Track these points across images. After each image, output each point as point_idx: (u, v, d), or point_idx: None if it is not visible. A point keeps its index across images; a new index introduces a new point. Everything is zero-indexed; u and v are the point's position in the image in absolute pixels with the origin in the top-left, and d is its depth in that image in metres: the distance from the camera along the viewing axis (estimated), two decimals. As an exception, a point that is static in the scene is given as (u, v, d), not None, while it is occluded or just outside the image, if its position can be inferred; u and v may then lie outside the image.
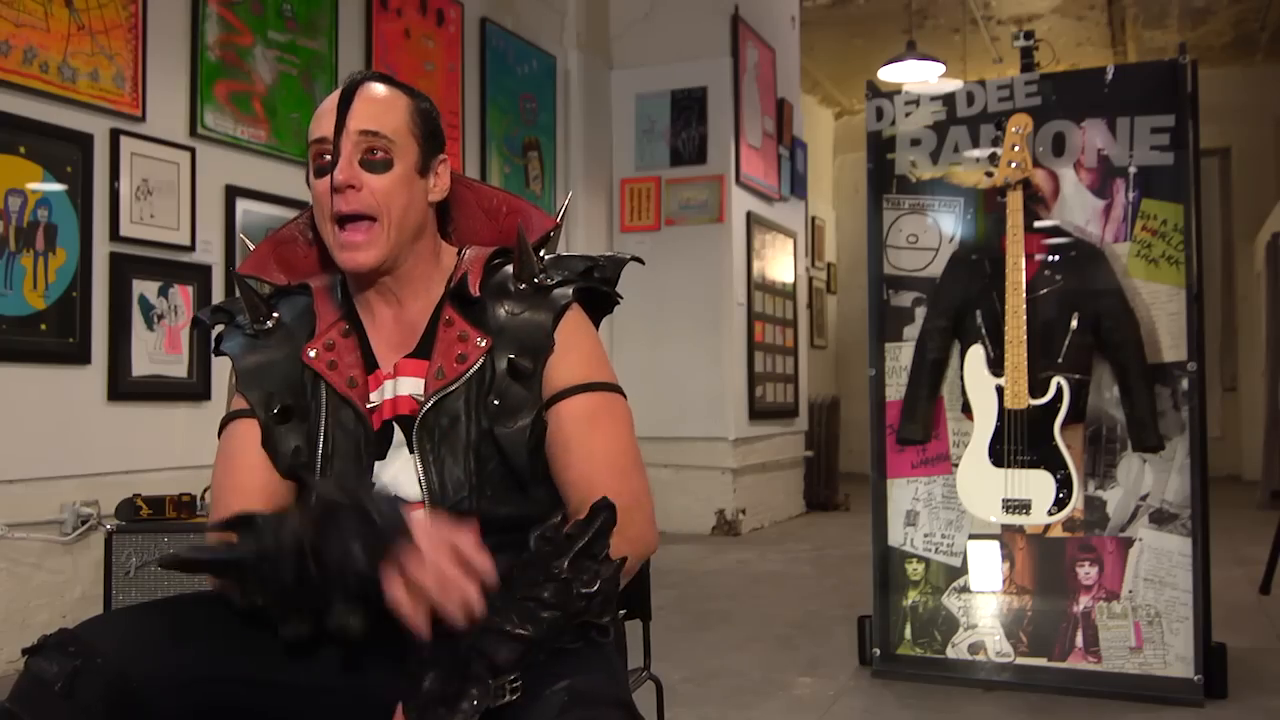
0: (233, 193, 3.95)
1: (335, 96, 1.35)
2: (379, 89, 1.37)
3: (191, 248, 3.79)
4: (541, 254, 1.43)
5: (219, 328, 1.48)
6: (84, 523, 3.38)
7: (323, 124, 1.34)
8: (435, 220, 1.44)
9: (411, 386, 1.36)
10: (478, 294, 1.38)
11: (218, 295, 3.82)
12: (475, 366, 1.34)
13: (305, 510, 1.14)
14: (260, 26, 4.11)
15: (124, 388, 3.54)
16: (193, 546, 1.25)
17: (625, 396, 1.40)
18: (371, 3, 4.68)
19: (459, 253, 1.45)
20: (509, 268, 1.42)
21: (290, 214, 4.11)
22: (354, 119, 1.33)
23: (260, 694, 1.25)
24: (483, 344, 1.36)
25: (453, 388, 1.34)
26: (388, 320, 1.41)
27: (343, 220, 1.34)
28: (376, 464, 1.35)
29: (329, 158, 1.33)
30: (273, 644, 1.28)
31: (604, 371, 1.39)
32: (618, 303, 1.48)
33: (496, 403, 1.33)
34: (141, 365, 3.59)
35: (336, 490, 1.15)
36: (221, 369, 3.71)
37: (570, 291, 1.39)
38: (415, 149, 1.37)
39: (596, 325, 1.46)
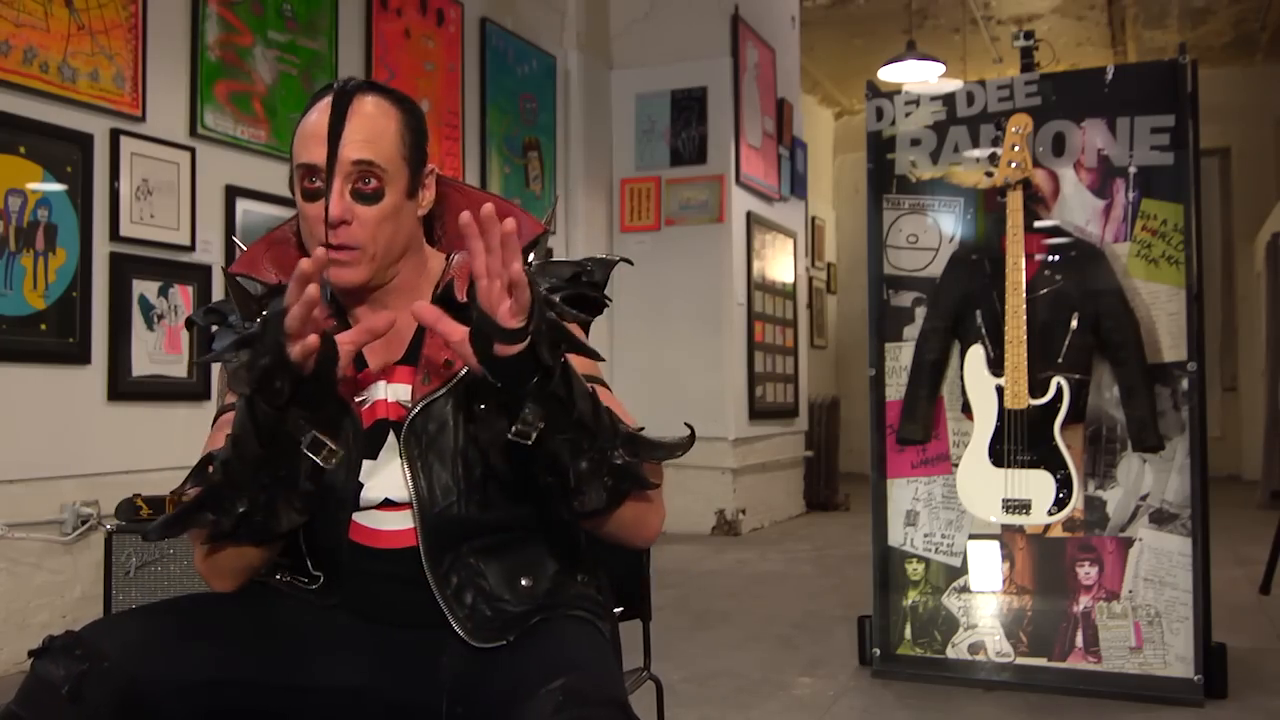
0: (233, 193, 3.96)
1: (323, 114, 1.31)
2: (369, 107, 1.32)
3: (191, 248, 3.79)
4: (530, 259, 1.41)
5: (214, 328, 1.48)
6: (84, 523, 3.38)
7: (312, 149, 1.31)
8: (423, 230, 1.43)
9: (399, 393, 1.36)
10: (464, 300, 1.36)
11: (217, 295, 3.82)
12: (462, 372, 1.33)
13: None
14: (260, 26, 4.11)
15: (124, 388, 3.54)
16: (163, 519, 1.28)
17: (611, 392, 1.40)
18: (371, 3, 4.68)
19: (448, 258, 1.44)
20: None
21: (290, 214, 4.12)
22: (347, 147, 1.30)
23: (267, 696, 1.25)
24: None
25: (439, 393, 1.33)
26: None
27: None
28: (366, 464, 1.35)
29: (319, 183, 1.31)
30: (279, 646, 1.28)
31: (591, 369, 1.38)
32: (607, 305, 1.47)
33: (482, 408, 1.33)
34: (141, 365, 3.59)
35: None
36: (220, 369, 3.69)
37: (557, 299, 1.38)
38: (405, 173, 1.34)
39: (587, 328, 1.45)
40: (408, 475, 1.32)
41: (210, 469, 1.24)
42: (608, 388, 1.40)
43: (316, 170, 1.31)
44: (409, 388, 1.36)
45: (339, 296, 1.42)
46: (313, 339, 1.16)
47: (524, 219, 1.47)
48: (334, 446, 1.22)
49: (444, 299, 1.38)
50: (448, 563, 1.31)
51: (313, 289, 1.13)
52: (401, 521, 1.33)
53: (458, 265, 1.41)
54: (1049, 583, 3.06)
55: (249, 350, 1.22)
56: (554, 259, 1.44)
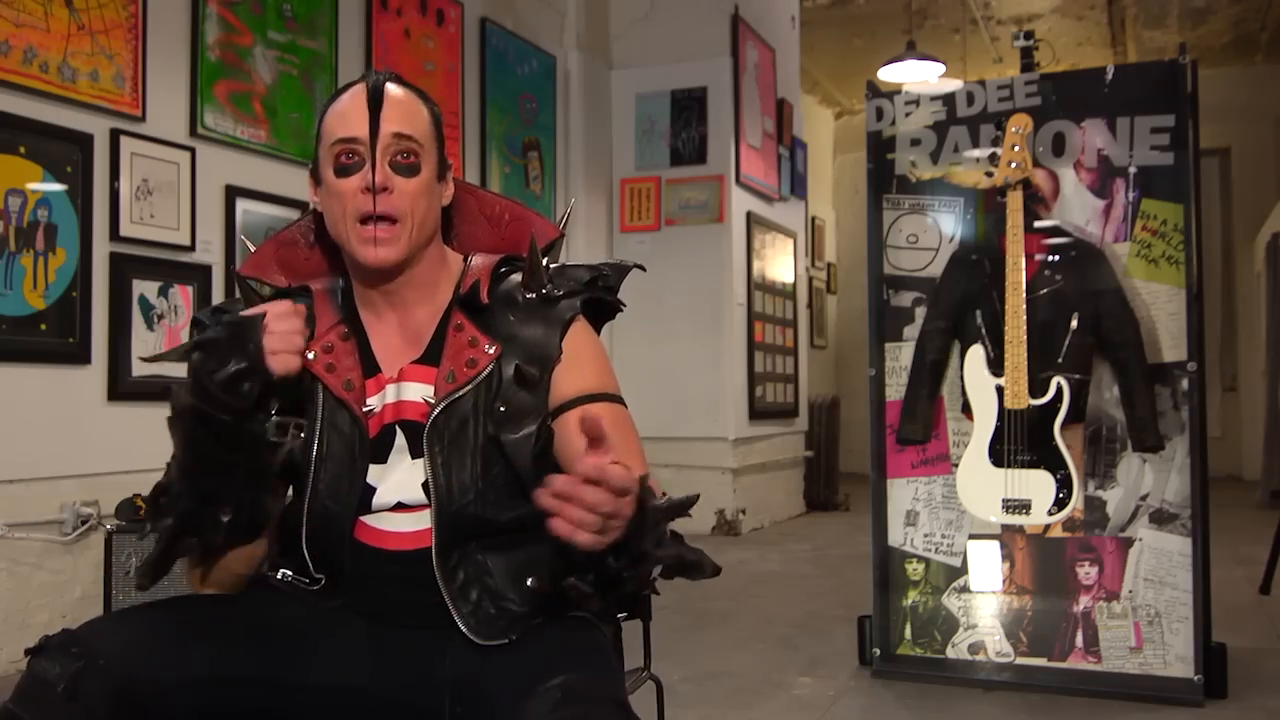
0: (233, 193, 3.95)
1: (358, 96, 1.35)
2: (402, 92, 1.37)
3: (191, 248, 3.79)
4: (546, 263, 1.44)
5: None
6: (84, 523, 3.37)
7: (352, 123, 1.34)
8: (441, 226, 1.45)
9: (419, 391, 1.36)
10: (488, 302, 1.39)
11: (218, 295, 3.82)
12: (484, 372, 1.35)
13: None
14: (260, 26, 4.11)
15: (124, 388, 3.53)
16: (146, 563, 1.33)
17: (627, 408, 1.42)
18: (371, 3, 4.68)
19: (465, 259, 1.45)
20: (516, 277, 1.42)
21: (290, 214, 4.14)
22: (388, 121, 1.34)
23: (264, 694, 1.26)
24: (491, 350, 1.36)
25: (462, 392, 1.34)
26: (392, 325, 1.41)
27: (366, 219, 1.34)
28: (375, 468, 1.35)
29: (357, 158, 1.33)
30: (278, 644, 1.28)
31: (610, 383, 1.40)
32: (621, 310, 1.49)
33: (502, 409, 1.34)
34: (141, 365, 3.59)
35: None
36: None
37: (577, 304, 1.41)
38: (435, 155, 1.39)
39: (599, 331, 1.47)
40: (428, 472, 1.32)
41: (163, 499, 1.31)
42: (623, 403, 1.41)
43: (356, 142, 1.33)
44: (429, 386, 1.36)
45: (356, 288, 1.42)
46: (295, 360, 1.29)
47: (540, 223, 1.51)
48: (299, 421, 1.32)
49: (467, 301, 1.39)
50: (456, 558, 1.32)
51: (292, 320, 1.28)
52: (413, 523, 1.34)
53: (478, 266, 1.43)
54: (1049, 583, 3.06)
55: (202, 354, 1.28)
56: (570, 264, 1.47)
